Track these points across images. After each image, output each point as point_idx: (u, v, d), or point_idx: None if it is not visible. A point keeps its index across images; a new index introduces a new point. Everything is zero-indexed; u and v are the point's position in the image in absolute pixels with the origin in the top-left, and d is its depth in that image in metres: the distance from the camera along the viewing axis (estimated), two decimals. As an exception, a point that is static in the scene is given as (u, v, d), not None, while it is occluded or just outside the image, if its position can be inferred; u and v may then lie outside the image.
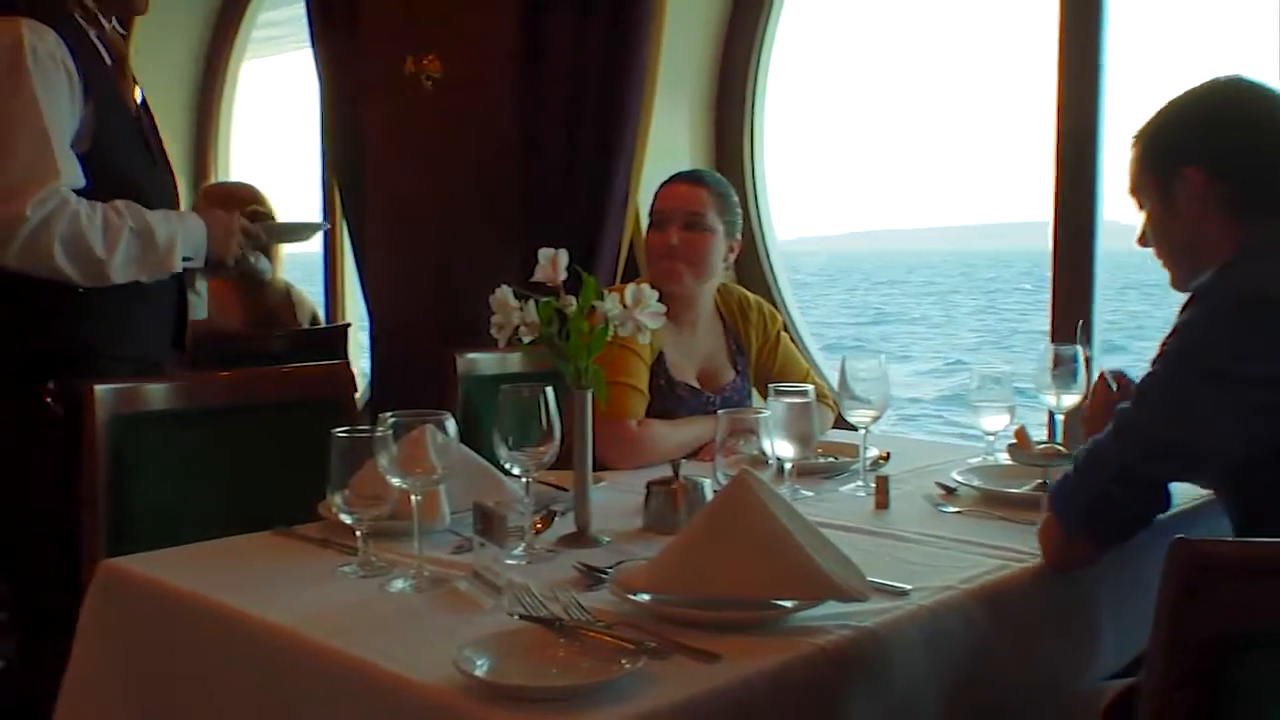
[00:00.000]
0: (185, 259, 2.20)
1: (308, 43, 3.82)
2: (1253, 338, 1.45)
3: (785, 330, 2.68)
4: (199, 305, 2.47)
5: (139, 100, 2.30)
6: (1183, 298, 1.57)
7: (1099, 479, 1.52)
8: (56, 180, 2.02)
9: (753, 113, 3.38)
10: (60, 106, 2.04)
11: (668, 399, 2.36)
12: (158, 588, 1.52)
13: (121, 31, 2.30)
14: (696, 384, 2.43)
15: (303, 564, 1.59)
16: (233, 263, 2.35)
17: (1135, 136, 1.70)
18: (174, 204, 2.32)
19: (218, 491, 2.01)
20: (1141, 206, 1.71)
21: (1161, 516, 1.60)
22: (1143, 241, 1.72)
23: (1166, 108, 1.67)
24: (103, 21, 2.22)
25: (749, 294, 2.62)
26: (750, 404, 2.53)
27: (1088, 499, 1.52)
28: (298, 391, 2.21)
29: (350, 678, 1.23)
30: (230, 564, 1.60)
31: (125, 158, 2.19)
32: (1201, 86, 1.65)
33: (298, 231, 2.71)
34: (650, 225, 2.47)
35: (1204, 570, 0.93)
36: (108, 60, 2.21)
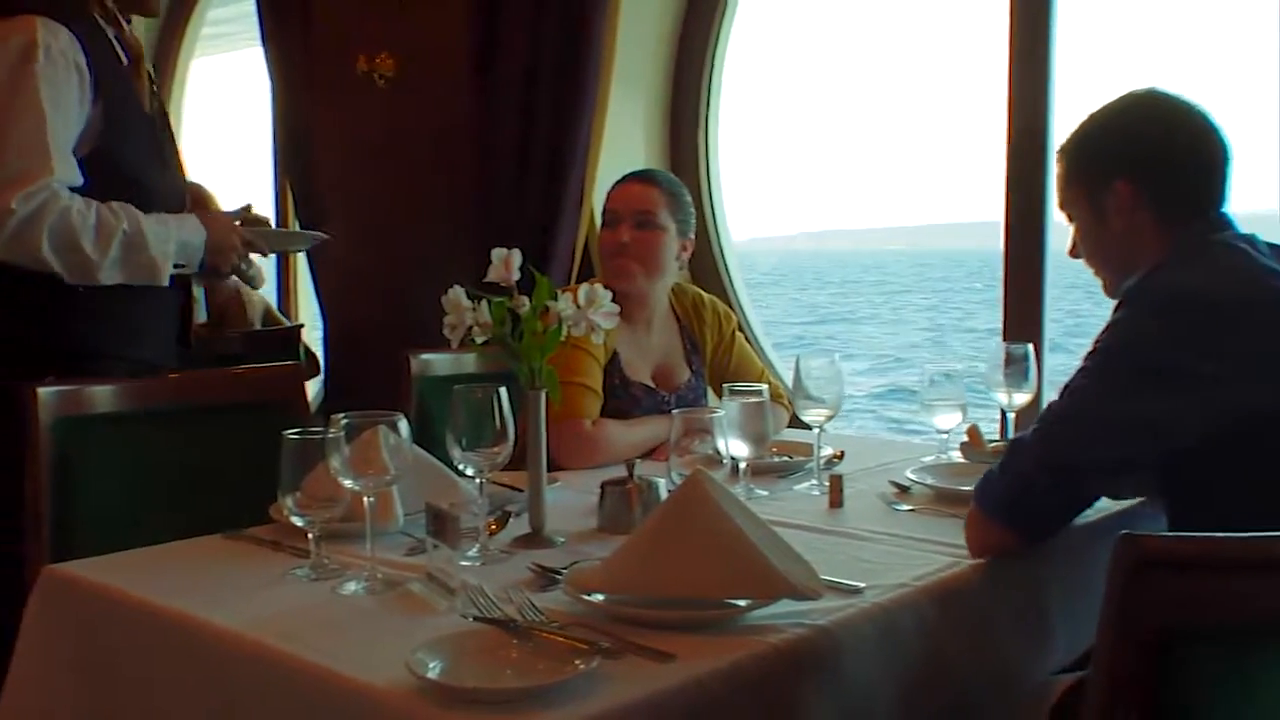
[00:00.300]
0: (177, 265, 2.19)
1: (258, 41, 3.78)
2: (1182, 335, 1.50)
3: (740, 330, 2.69)
4: (195, 310, 2.47)
5: (154, 102, 2.31)
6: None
7: (1018, 471, 1.55)
8: (49, 176, 2.02)
9: (707, 112, 3.39)
10: (66, 105, 2.06)
11: (622, 399, 2.36)
12: (104, 593, 1.49)
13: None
14: (651, 383, 2.43)
15: (254, 567, 1.57)
16: (228, 271, 2.34)
17: (1060, 152, 1.76)
18: (182, 207, 2.31)
19: (166, 496, 1.99)
20: (1072, 219, 1.77)
21: (1093, 515, 1.65)
22: (1074, 253, 1.79)
23: (1088, 123, 1.72)
24: (122, 22, 2.24)
25: (703, 293, 2.63)
26: (705, 403, 2.53)
27: (1006, 490, 1.55)
28: (248, 393, 2.18)
29: (302, 681, 1.22)
30: (179, 568, 1.57)
31: (135, 157, 2.19)
32: (1120, 101, 1.71)
33: (297, 241, 2.68)
34: (603, 224, 2.48)
35: (1149, 564, 0.94)
36: (124, 60, 2.22)
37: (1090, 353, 1.56)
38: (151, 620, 1.42)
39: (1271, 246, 1.62)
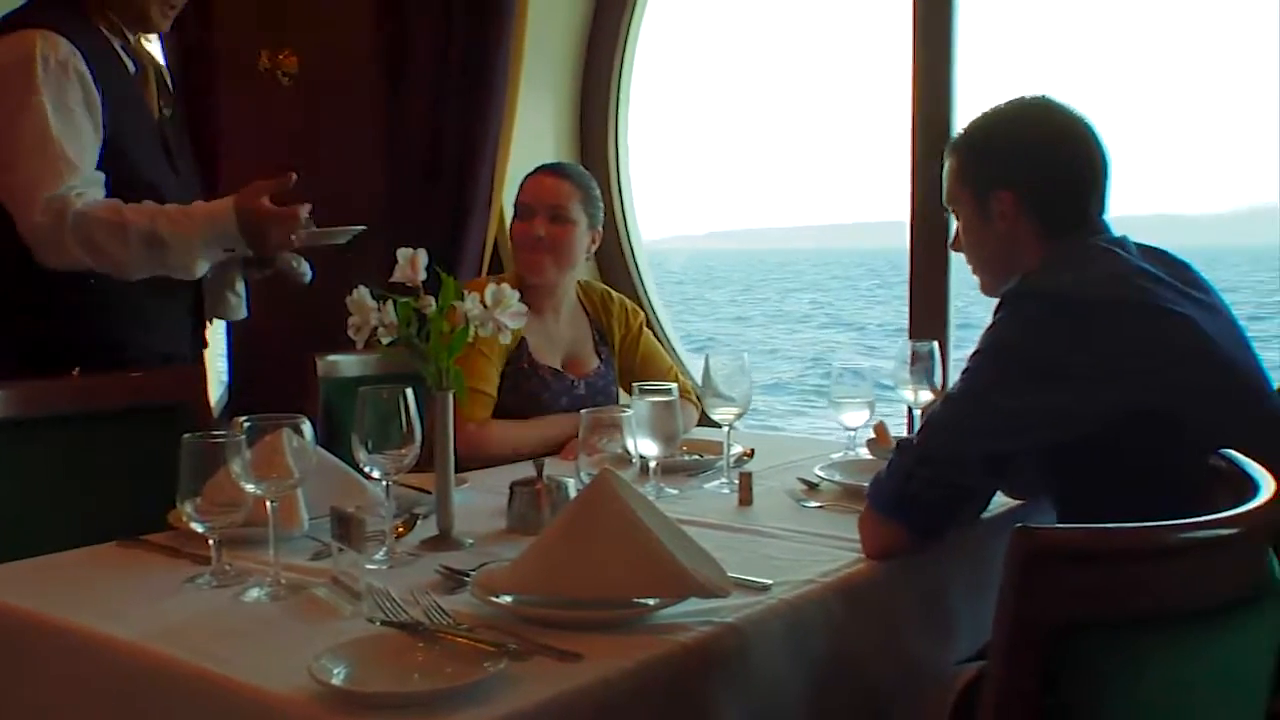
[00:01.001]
0: (227, 250, 2.22)
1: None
2: (1058, 335, 1.55)
3: (649, 326, 2.72)
4: (238, 306, 2.53)
5: (166, 110, 2.35)
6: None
7: (904, 469, 1.58)
8: (58, 184, 2.07)
9: (617, 112, 3.40)
10: (72, 113, 2.11)
11: (531, 381, 2.39)
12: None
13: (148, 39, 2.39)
14: (560, 368, 2.46)
15: (152, 576, 1.52)
16: (270, 254, 2.35)
17: (952, 149, 1.81)
18: None
19: (61, 503, 1.92)
20: (957, 216, 1.82)
21: (994, 510, 1.70)
22: (956, 246, 1.85)
23: (981, 124, 1.77)
24: (127, 34, 2.28)
25: (611, 290, 2.66)
26: (616, 390, 2.57)
27: (893, 488, 1.58)
28: (147, 396, 2.12)
29: (202, 692, 1.19)
30: (73, 579, 1.53)
31: (142, 162, 2.23)
32: (1012, 108, 1.76)
33: (335, 235, 2.62)
34: (515, 216, 2.50)
35: (1042, 556, 0.96)
36: (131, 68, 2.27)
37: (973, 354, 1.61)
38: (43, 633, 1.37)
39: (1140, 247, 1.70)
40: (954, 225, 1.84)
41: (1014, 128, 1.75)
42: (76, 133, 2.10)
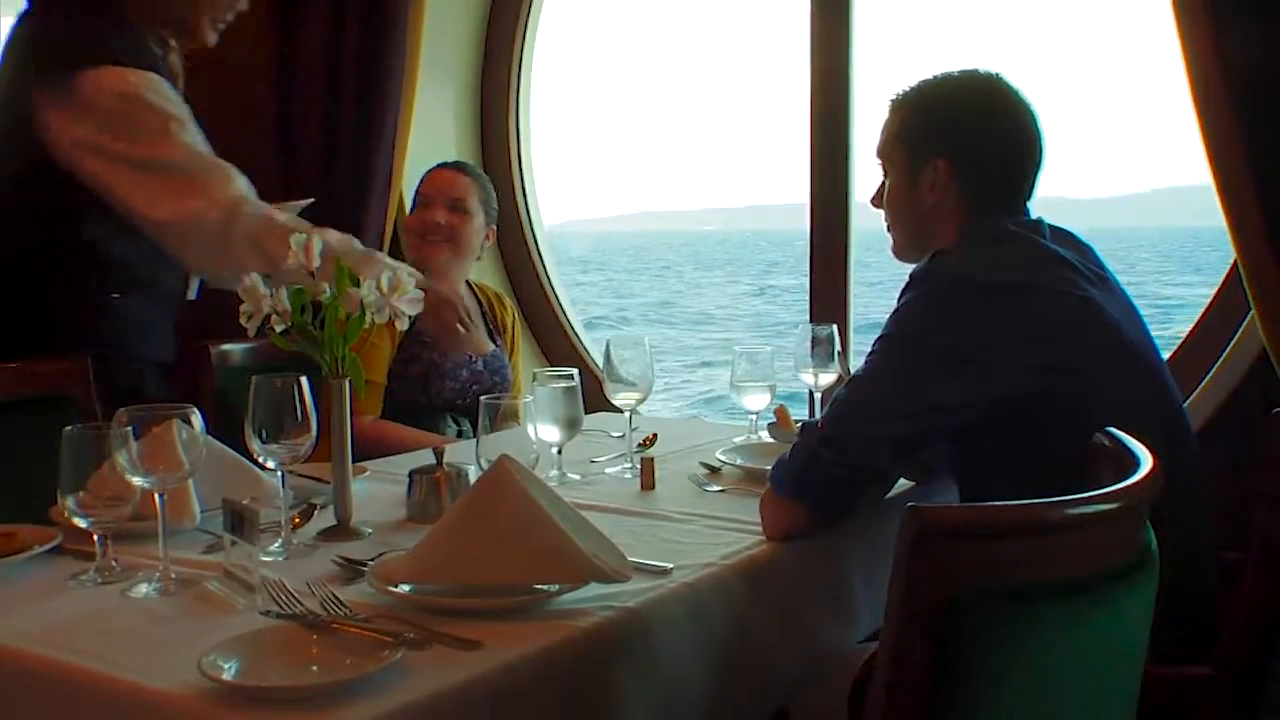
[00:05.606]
0: None
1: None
2: (962, 320, 1.57)
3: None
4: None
5: None
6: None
7: (808, 451, 1.59)
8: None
9: (518, 98, 3.38)
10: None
11: (432, 352, 2.48)
12: None
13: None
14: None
15: (31, 574, 1.46)
16: None
17: (895, 105, 1.77)
18: None
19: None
20: (885, 172, 1.79)
21: (895, 492, 1.72)
22: (877, 203, 1.82)
23: (932, 89, 1.74)
24: (170, 46, 2.28)
25: (498, 290, 2.86)
26: (509, 374, 2.65)
27: (796, 470, 1.59)
28: (28, 388, 2.04)
29: (88, 695, 1.15)
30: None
31: None
32: (966, 79, 1.73)
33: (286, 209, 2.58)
34: (415, 207, 2.62)
35: (930, 534, 0.98)
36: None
37: (879, 337, 1.62)
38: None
39: (1054, 229, 1.71)
40: (881, 180, 1.80)
41: (963, 100, 1.72)
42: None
